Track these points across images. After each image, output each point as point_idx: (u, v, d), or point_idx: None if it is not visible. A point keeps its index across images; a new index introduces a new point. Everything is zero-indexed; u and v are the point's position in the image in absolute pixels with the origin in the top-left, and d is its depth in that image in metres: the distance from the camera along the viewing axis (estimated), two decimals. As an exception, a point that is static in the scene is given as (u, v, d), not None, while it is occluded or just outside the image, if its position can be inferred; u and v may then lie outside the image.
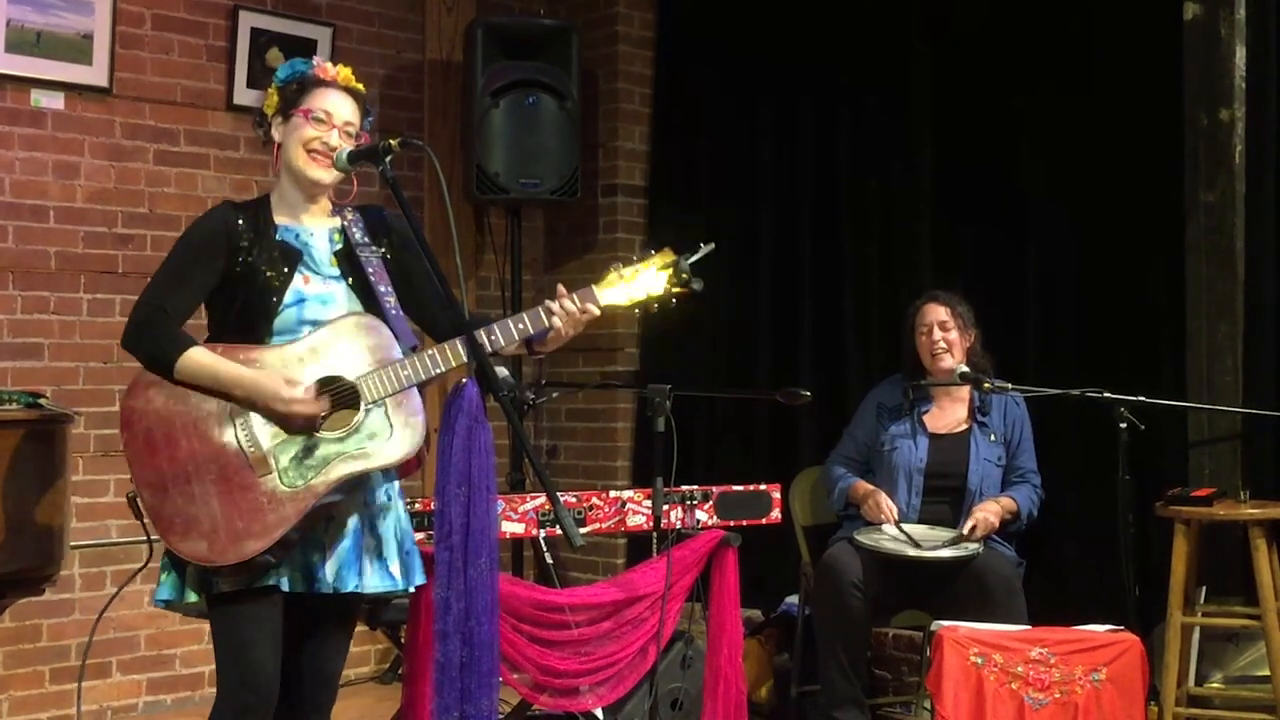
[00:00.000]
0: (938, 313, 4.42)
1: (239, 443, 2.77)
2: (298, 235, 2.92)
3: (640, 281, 2.94)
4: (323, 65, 2.96)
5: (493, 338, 2.86)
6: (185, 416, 2.77)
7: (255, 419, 2.78)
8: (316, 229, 2.95)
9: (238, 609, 2.77)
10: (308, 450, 2.79)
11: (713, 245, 2.97)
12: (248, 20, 5.20)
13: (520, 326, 2.88)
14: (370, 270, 2.93)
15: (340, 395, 2.81)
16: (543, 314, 2.89)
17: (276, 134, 2.93)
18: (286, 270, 2.86)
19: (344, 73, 2.98)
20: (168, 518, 2.73)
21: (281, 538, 2.74)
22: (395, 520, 2.93)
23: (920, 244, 5.18)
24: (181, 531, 2.73)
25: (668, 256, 2.95)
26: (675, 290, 2.94)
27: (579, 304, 2.91)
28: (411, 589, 2.94)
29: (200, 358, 2.76)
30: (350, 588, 2.83)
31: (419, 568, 2.95)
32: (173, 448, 2.75)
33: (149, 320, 2.80)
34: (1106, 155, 4.68)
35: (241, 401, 2.77)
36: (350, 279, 2.93)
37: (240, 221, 2.88)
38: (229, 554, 2.72)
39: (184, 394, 2.77)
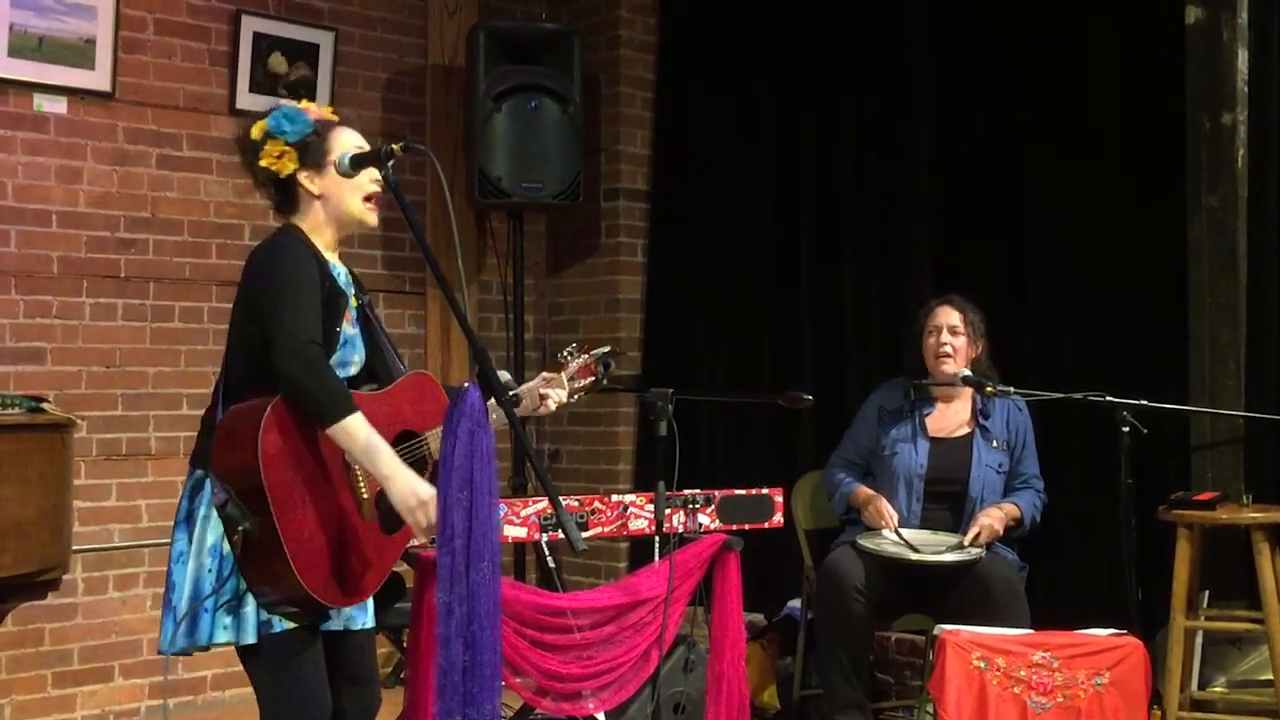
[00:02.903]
0: (950, 316, 4.40)
1: (352, 488, 2.81)
2: (338, 275, 2.96)
3: (583, 372, 3.30)
4: (315, 109, 2.99)
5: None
6: (316, 457, 2.75)
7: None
8: (343, 272, 3.00)
9: (304, 646, 2.81)
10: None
11: (610, 348, 3.38)
12: (250, 25, 5.20)
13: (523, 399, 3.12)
14: (372, 318, 3.02)
15: (417, 449, 2.91)
16: (539, 398, 3.16)
17: (315, 186, 2.92)
18: (341, 311, 2.90)
19: (329, 109, 3.05)
20: (304, 558, 2.69)
21: None
22: None
23: (921, 248, 5.18)
24: (314, 571, 2.71)
25: (595, 353, 3.33)
26: (594, 385, 3.34)
27: (562, 393, 3.21)
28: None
29: (363, 426, 2.71)
30: (386, 622, 2.99)
31: None
32: (308, 487, 2.73)
33: (317, 360, 2.72)
34: (1108, 158, 4.68)
35: (380, 478, 2.76)
36: (362, 324, 3.00)
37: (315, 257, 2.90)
38: (351, 595, 2.79)
39: (311, 432, 2.74)
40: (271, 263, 2.83)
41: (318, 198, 2.93)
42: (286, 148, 2.90)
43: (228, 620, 2.76)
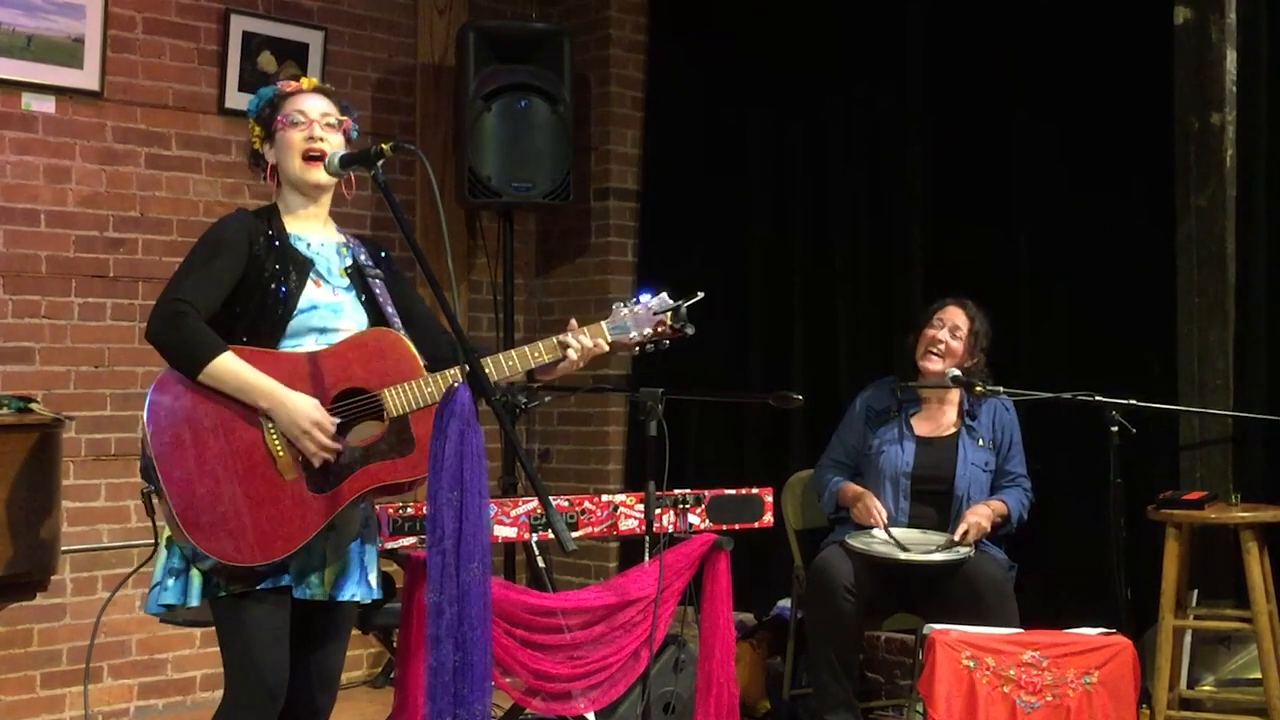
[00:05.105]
0: (957, 317, 4.39)
1: (267, 445, 2.77)
2: (308, 245, 2.96)
3: (641, 322, 3.07)
4: (286, 82, 3.05)
5: (509, 364, 2.93)
6: (214, 415, 2.75)
7: None
8: (325, 241, 3.00)
9: (248, 609, 2.78)
10: (334, 457, 2.81)
11: (702, 295, 3.14)
12: (239, 24, 5.20)
13: (536, 355, 2.96)
14: (378, 291, 2.99)
15: (364, 406, 2.84)
16: (559, 347, 2.97)
17: (270, 156, 2.99)
18: (298, 278, 2.89)
19: (308, 81, 3.06)
20: (194, 515, 2.70)
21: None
22: (374, 529, 3.03)
23: (912, 248, 5.18)
24: (208, 529, 2.71)
25: (666, 303, 3.09)
26: (670, 335, 3.10)
27: (591, 340, 3.01)
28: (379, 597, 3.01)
29: (232, 364, 2.74)
30: (347, 596, 2.90)
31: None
32: (201, 446, 2.73)
33: (179, 315, 2.75)
34: (1097, 158, 4.68)
35: (264, 411, 2.77)
36: (361, 294, 2.98)
37: (258, 227, 2.90)
38: (256, 555, 2.73)
39: (213, 391, 2.75)
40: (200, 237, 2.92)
41: (274, 166, 2.98)
42: (252, 123, 3.02)
43: (173, 583, 2.79)
